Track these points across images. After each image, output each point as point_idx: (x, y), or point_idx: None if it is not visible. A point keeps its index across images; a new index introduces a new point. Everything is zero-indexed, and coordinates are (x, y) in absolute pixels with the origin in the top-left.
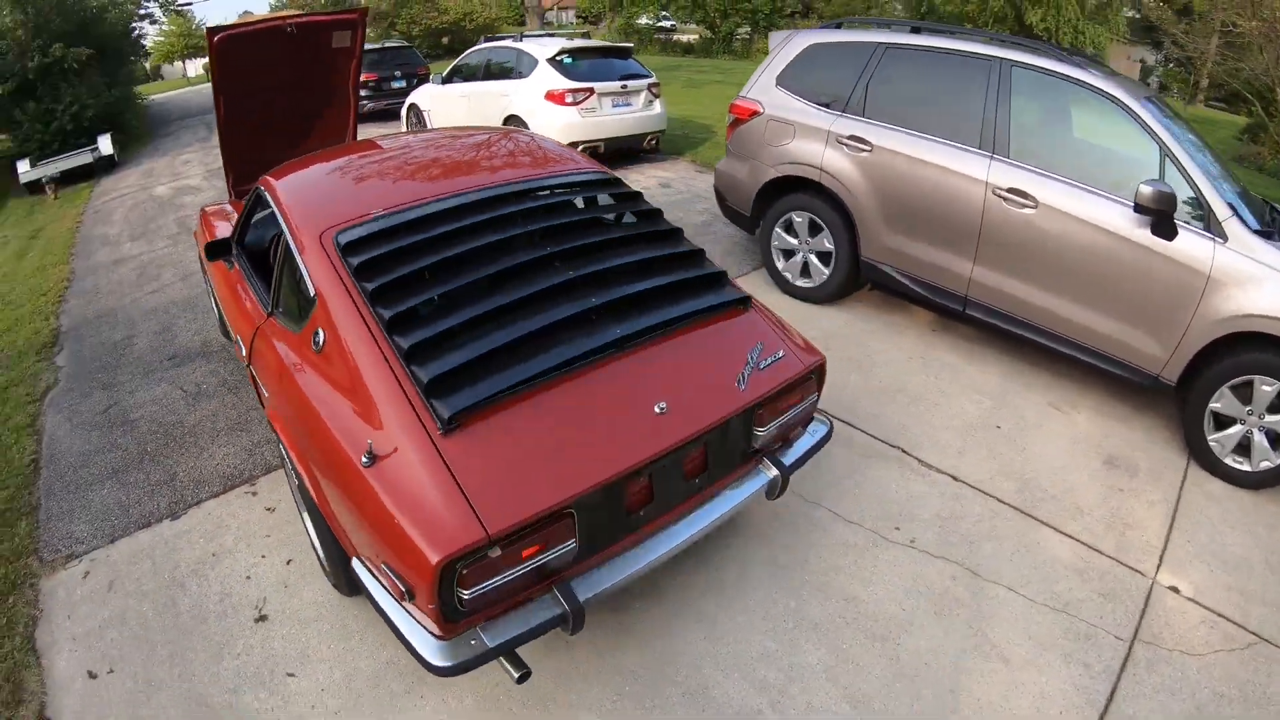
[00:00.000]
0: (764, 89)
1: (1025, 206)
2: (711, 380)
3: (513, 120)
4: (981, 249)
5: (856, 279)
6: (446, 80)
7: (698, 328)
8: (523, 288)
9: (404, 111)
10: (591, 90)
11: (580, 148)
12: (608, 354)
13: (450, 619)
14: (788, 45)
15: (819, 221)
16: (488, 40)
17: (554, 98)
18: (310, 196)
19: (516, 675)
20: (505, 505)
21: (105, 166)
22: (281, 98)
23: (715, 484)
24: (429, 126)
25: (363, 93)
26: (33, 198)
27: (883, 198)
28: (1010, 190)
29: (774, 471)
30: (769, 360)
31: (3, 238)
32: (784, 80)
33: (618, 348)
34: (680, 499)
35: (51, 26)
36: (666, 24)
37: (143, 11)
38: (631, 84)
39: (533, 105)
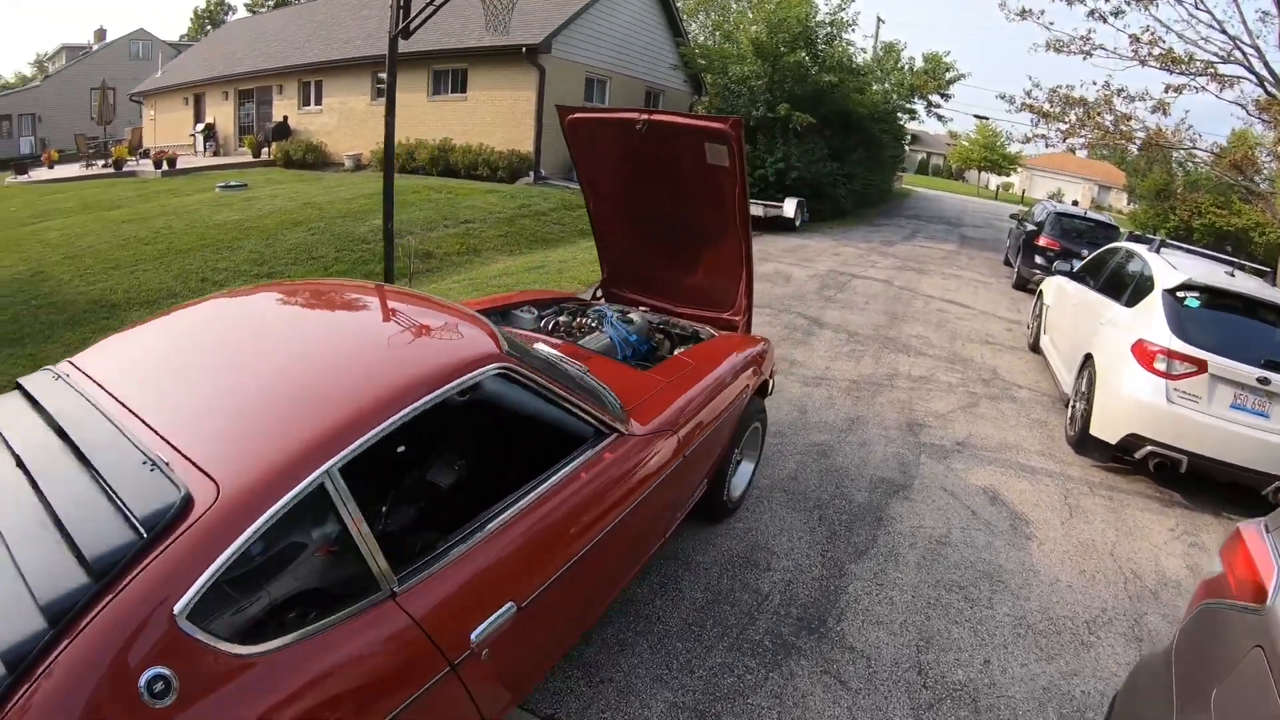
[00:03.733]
0: None
1: None
2: None
3: (1087, 362)
4: None
5: None
6: (1074, 275)
7: None
8: None
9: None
10: (1203, 366)
11: (1146, 449)
12: None
13: None
14: None
15: None
16: (1132, 238)
17: (1141, 353)
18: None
19: None
20: None
21: (784, 226)
22: (654, 205)
23: None
24: (1043, 322)
25: (1038, 260)
26: None
27: None
28: None
29: None
30: None
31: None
32: None
33: None
34: None
35: (785, 86)
36: None
37: (910, 105)
38: None
39: (1114, 350)
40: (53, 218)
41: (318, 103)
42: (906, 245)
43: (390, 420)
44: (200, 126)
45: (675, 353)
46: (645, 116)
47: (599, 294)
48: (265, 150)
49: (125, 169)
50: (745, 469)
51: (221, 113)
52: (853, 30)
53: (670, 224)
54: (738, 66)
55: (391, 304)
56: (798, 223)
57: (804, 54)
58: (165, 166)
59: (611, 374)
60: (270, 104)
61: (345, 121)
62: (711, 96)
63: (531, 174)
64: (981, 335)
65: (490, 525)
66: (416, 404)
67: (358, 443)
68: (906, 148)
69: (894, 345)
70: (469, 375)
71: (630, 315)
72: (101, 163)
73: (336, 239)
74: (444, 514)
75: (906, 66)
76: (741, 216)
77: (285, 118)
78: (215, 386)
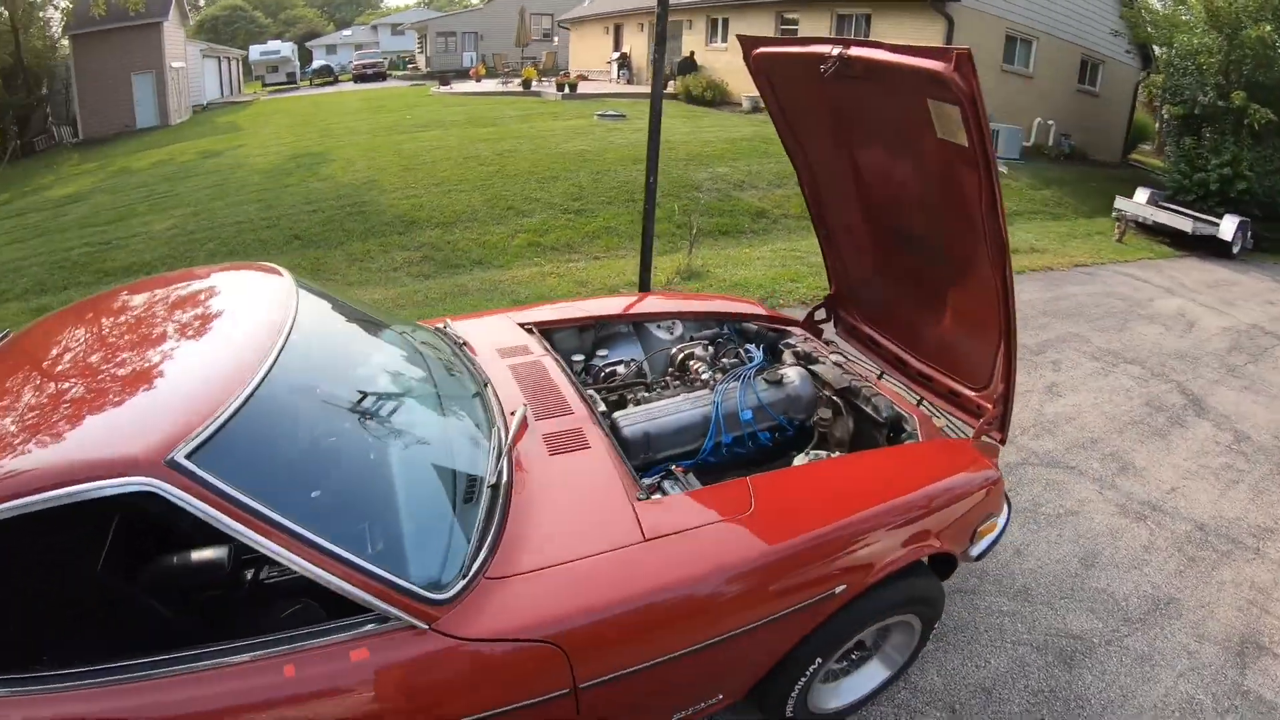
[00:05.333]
0: None
1: None
2: None
3: None
4: None
5: None
6: None
7: None
8: None
9: None
10: None
11: None
12: None
13: None
14: None
15: None
16: None
17: None
18: None
19: None
20: None
21: (1217, 250)
22: (874, 193)
23: None
24: None
25: None
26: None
27: None
28: None
29: None
30: None
31: None
32: None
33: None
34: None
35: (1243, 68)
36: None
37: None
38: None
39: None
40: (432, 129)
41: (723, 40)
42: None
43: None
44: (616, 55)
45: (811, 456)
46: (836, 51)
47: (820, 315)
48: (671, 83)
49: (531, 89)
50: (868, 674)
51: (636, 43)
52: None
53: (898, 228)
54: (1184, 37)
55: (153, 337)
56: (1235, 249)
57: (1270, 27)
58: (566, 90)
59: (575, 496)
60: (680, 38)
61: None
62: (1163, 73)
63: None
64: None
65: None
66: None
67: None
68: None
69: None
70: (49, 495)
71: (784, 370)
72: (517, 81)
73: (667, 182)
74: None
75: None
76: (993, 238)
77: (692, 53)
78: None
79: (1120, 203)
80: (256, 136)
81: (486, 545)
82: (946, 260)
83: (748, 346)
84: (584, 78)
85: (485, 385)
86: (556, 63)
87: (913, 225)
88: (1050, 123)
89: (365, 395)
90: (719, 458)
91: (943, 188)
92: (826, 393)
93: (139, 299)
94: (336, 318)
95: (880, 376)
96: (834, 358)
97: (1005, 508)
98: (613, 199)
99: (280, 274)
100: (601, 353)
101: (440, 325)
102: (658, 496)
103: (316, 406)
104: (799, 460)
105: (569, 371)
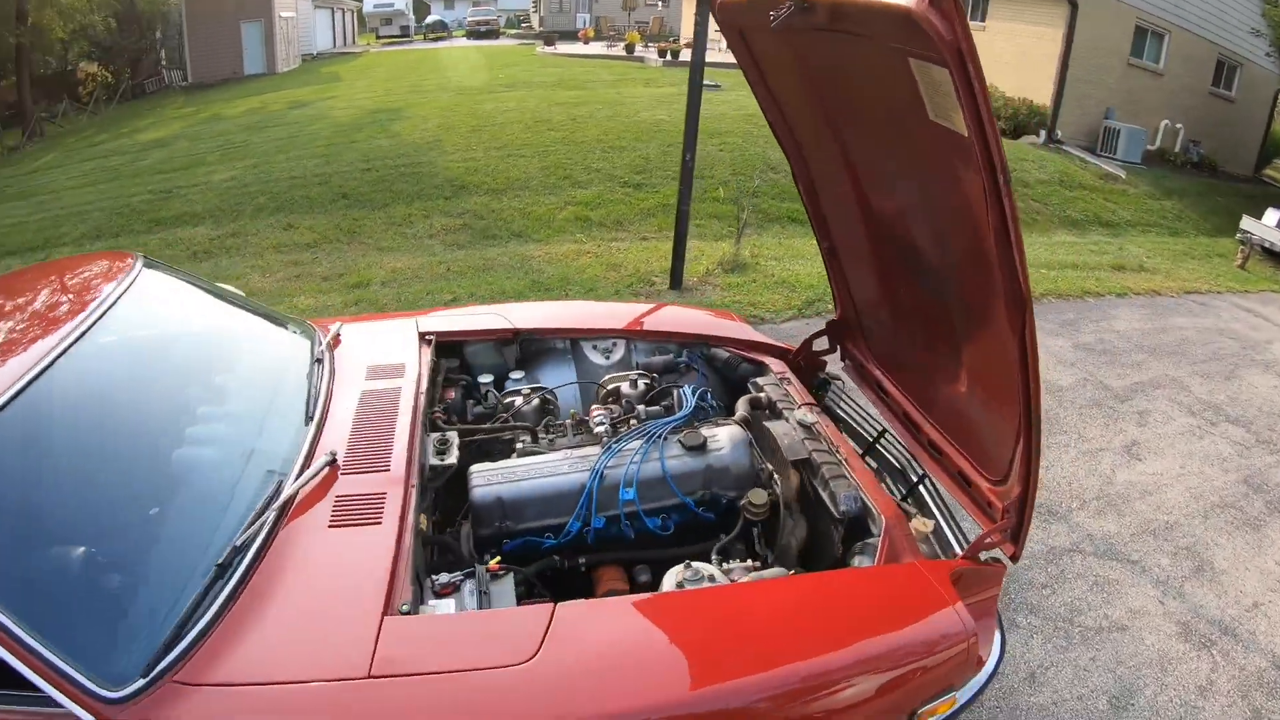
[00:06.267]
0: None
1: None
2: None
3: None
4: None
5: None
6: None
7: None
8: None
9: None
10: None
11: None
12: None
13: None
14: None
15: None
16: None
17: None
18: None
19: None
20: None
21: None
22: (875, 193)
23: None
24: None
25: None
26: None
27: None
28: None
29: None
30: None
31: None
32: None
33: None
34: None
35: None
36: None
37: None
38: None
39: None
40: (518, 89)
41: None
42: None
43: None
44: None
45: (689, 574)
46: None
47: (820, 344)
48: None
49: (634, 54)
50: None
51: None
52: None
53: (907, 251)
54: None
55: None
56: None
57: None
58: (668, 56)
59: (324, 592)
60: None
61: None
62: None
63: (1042, 133)
64: None
65: None
66: None
67: None
68: None
69: None
70: None
71: (712, 431)
72: (621, 45)
73: (742, 160)
74: None
75: None
76: (1008, 284)
77: None
78: None
79: (1247, 223)
80: (350, 89)
81: (187, 640)
82: (960, 303)
83: (684, 390)
84: (671, 44)
85: (310, 420)
86: (664, 28)
87: (920, 249)
88: (1178, 126)
89: (135, 429)
90: (602, 542)
91: (945, 199)
92: (769, 466)
93: None
94: (171, 323)
95: (880, 436)
96: (801, 414)
97: (997, 642)
98: (678, 174)
99: (127, 267)
100: (515, 375)
101: (334, 327)
102: (431, 609)
103: (61, 439)
104: (669, 582)
105: (422, 407)
